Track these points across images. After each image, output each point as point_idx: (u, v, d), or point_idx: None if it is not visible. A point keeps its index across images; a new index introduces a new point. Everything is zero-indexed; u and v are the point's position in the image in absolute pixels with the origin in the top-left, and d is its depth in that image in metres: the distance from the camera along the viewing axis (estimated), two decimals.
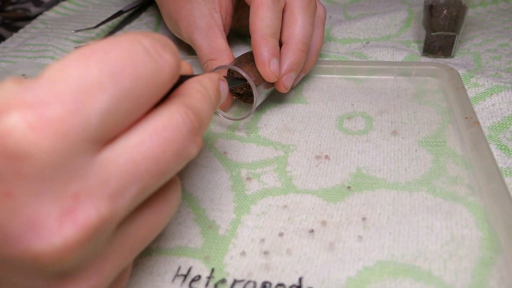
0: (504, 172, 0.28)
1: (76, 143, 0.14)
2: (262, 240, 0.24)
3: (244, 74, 0.30)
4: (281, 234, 0.24)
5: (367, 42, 0.45)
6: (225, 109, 0.34)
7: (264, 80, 0.32)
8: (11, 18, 0.60)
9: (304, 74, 0.36)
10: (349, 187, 0.27)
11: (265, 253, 0.23)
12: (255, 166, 0.30)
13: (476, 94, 0.35)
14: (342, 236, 0.24)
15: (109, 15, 0.49)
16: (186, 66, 0.23)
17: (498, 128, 0.32)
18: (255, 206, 0.26)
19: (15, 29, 0.54)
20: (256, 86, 0.31)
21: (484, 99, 0.35)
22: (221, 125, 0.34)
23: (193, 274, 0.22)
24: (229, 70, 0.33)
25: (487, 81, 0.36)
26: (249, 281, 0.22)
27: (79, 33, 0.46)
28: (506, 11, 0.50)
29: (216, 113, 0.34)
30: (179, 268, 0.23)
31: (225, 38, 0.35)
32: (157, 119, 0.17)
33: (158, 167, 0.16)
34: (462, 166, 0.28)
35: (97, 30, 0.48)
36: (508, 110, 0.33)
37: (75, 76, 0.15)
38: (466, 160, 0.29)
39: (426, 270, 0.22)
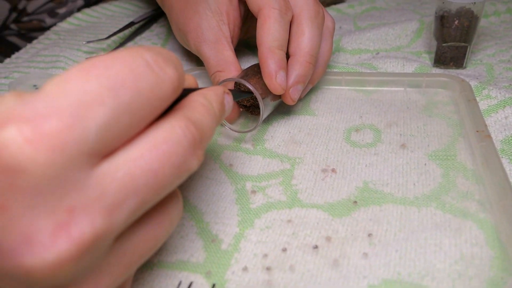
0: None
1: (72, 157, 0.14)
2: (265, 256, 0.24)
3: (250, 87, 0.30)
4: (284, 250, 0.24)
5: (377, 53, 0.45)
6: (231, 121, 0.34)
7: (271, 92, 0.32)
8: (26, 29, 0.61)
9: (312, 86, 0.36)
10: (355, 202, 0.27)
11: (268, 269, 0.23)
12: (261, 179, 0.29)
13: (489, 106, 0.34)
14: (347, 252, 0.24)
15: (121, 26, 0.49)
16: (191, 79, 0.23)
17: (511, 141, 0.31)
18: (259, 220, 0.26)
19: (30, 40, 0.56)
20: (263, 98, 0.31)
21: (497, 112, 0.34)
22: (228, 137, 0.34)
23: None
24: (236, 82, 0.33)
25: (500, 93, 0.35)
26: None
27: (91, 44, 0.47)
28: None
29: (222, 125, 0.33)
30: (179, 283, 0.22)
31: (233, 50, 0.35)
32: (157, 132, 0.17)
33: (156, 181, 0.16)
34: (473, 181, 0.28)
35: (109, 41, 0.48)
36: None
37: (74, 90, 0.15)
38: (477, 175, 0.28)
39: None
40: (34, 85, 0.37)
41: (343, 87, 0.39)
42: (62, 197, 0.14)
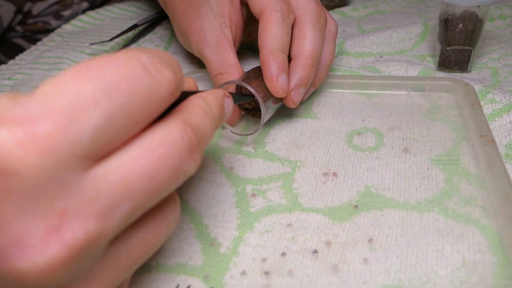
0: None
1: (65, 160, 0.14)
2: (264, 260, 0.23)
3: (252, 90, 0.30)
4: (283, 254, 0.24)
5: (381, 56, 0.44)
6: (233, 124, 0.34)
7: (272, 95, 0.31)
8: (32, 31, 0.61)
9: (314, 89, 0.36)
10: (356, 206, 0.27)
11: (266, 273, 0.23)
12: (261, 182, 0.29)
13: (493, 111, 0.34)
14: (347, 257, 0.23)
15: (125, 28, 0.49)
16: (191, 82, 0.23)
17: None
18: (258, 223, 0.26)
19: (36, 42, 0.56)
20: (264, 101, 0.31)
21: (501, 116, 0.33)
22: (229, 139, 0.33)
23: None
24: (237, 85, 0.33)
25: (505, 97, 0.35)
26: None
27: (94, 46, 0.47)
28: None
29: (223, 128, 0.33)
30: (177, 287, 0.22)
31: (235, 52, 0.35)
32: (153, 135, 0.17)
33: (152, 185, 0.16)
34: (476, 186, 0.27)
35: (112, 43, 0.48)
36: None
37: (68, 93, 0.15)
38: (480, 180, 0.28)
39: None
40: (37, 87, 0.37)
41: (346, 90, 0.38)
42: (54, 200, 0.14)
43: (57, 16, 0.62)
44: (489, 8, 0.37)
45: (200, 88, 0.40)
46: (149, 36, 0.51)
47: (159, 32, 0.52)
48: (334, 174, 0.29)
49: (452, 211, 0.26)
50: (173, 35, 0.50)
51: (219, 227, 0.26)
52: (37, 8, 0.60)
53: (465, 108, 0.34)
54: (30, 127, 0.14)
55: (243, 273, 0.23)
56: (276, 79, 0.30)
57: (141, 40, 0.50)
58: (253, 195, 0.28)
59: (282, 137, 0.33)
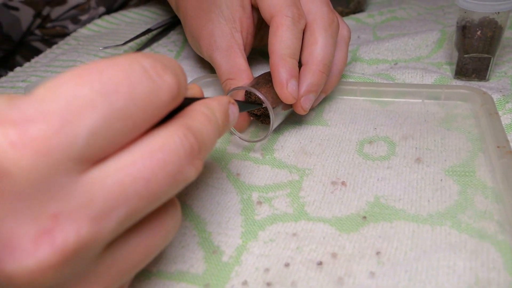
0: None
1: (59, 162, 0.14)
2: (267, 270, 0.23)
3: (261, 96, 0.29)
4: (287, 265, 0.23)
5: (396, 63, 0.43)
6: (241, 130, 0.34)
7: (282, 101, 0.31)
8: (50, 35, 0.63)
9: (325, 95, 0.35)
10: (364, 217, 0.26)
11: (268, 284, 0.22)
12: (267, 189, 0.29)
13: None
14: (353, 270, 0.22)
15: (139, 33, 0.50)
16: (196, 88, 0.23)
17: None
18: (263, 232, 0.25)
19: (53, 46, 0.57)
20: (274, 108, 0.31)
21: None
22: (237, 145, 0.33)
23: None
24: (246, 91, 0.32)
25: None
26: None
27: (108, 50, 0.48)
28: None
29: (232, 133, 0.33)
30: None
31: (245, 57, 0.35)
32: (153, 140, 0.17)
33: (149, 190, 0.16)
34: (492, 200, 0.26)
35: (125, 47, 0.49)
36: None
37: (65, 95, 0.14)
38: (496, 193, 0.27)
39: None
40: None
41: (358, 98, 0.38)
42: (46, 203, 0.14)
43: (75, 20, 0.63)
44: (509, 15, 0.36)
45: (210, 94, 0.39)
46: (163, 41, 0.51)
47: (173, 37, 0.52)
48: (343, 183, 0.29)
49: (465, 225, 0.25)
50: (186, 40, 0.51)
51: (223, 234, 0.25)
52: (55, 12, 0.61)
53: (482, 118, 0.33)
54: (24, 128, 0.13)
55: (245, 283, 0.22)
56: (286, 85, 0.30)
57: (155, 45, 0.50)
58: (259, 202, 0.27)
59: (291, 144, 0.33)
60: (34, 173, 0.13)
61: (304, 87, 0.31)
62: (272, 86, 0.31)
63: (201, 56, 0.38)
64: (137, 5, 0.65)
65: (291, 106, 0.32)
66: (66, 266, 0.14)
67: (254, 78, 0.33)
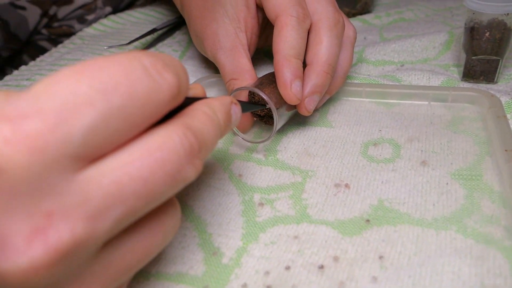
0: None
1: (54, 160, 0.14)
2: (267, 273, 0.22)
3: (264, 97, 0.29)
4: (288, 268, 0.23)
5: (402, 65, 0.43)
6: (244, 130, 0.33)
7: (286, 102, 0.31)
8: (57, 34, 0.63)
9: (329, 97, 0.34)
10: (368, 220, 0.25)
11: (268, 287, 0.22)
12: (270, 191, 0.28)
13: None
14: (355, 275, 0.22)
15: (144, 32, 0.50)
16: (198, 88, 0.22)
17: None
18: (264, 234, 0.25)
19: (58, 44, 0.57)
20: (277, 108, 0.30)
21: None
22: (240, 146, 0.33)
23: None
24: (250, 91, 0.32)
25: None
26: None
27: (112, 49, 0.48)
28: None
29: (235, 134, 0.33)
30: None
31: (249, 57, 0.34)
32: (152, 138, 0.16)
33: (147, 190, 0.16)
34: (499, 205, 0.25)
35: (130, 47, 0.49)
36: None
37: (62, 91, 0.14)
38: (504, 197, 0.26)
39: None
40: None
41: (363, 99, 0.37)
42: (40, 200, 0.13)
43: (81, 20, 0.63)
44: None
45: (214, 94, 0.39)
46: (168, 41, 0.51)
47: (178, 36, 0.52)
48: (347, 185, 0.28)
49: (471, 230, 0.24)
50: (191, 40, 0.50)
51: (223, 236, 0.25)
52: (62, 12, 0.61)
53: (489, 121, 0.32)
54: (19, 124, 0.13)
55: (244, 286, 0.22)
56: (290, 86, 0.30)
57: (160, 45, 0.50)
58: (261, 204, 0.27)
59: (294, 145, 0.32)
60: (28, 170, 0.13)
61: (308, 88, 0.31)
62: (276, 87, 0.31)
63: (205, 56, 0.38)
64: (143, 5, 0.65)
65: (295, 107, 0.32)
66: (60, 265, 0.14)
67: (258, 79, 0.33)
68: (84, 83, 0.15)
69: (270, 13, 0.32)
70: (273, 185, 0.29)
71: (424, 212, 0.26)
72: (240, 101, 0.25)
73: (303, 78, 0.31)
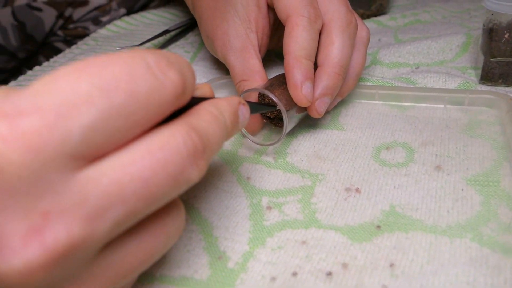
0: None
1: (51, 158, 0.13)
2: (273, 279, 0.22)
3: (274, 98, 0.28)
4: (294, 274, 0.22)
5: (417, 67, 0.42)
6: (254, 132, 0.33)
7: (296, 104, 0.30)
8: (72, 36, 0.64)
9: (341, 99, 0.34)
10: (378, 226, 0.24)
11: None
12: (278, 194, 0.28)
13: None
14: (364, 283, 0.21)
15: (157, 33, 0.50)
16: (206, 88, 0.22)
17: None
18: (271, 238, 0.24)
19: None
20: (287, 110, 0.30)
21: None
22: (249, 148, 0.32)
23: None
24: (260, 93, 0.31)
25: None
26: None
27: (124, 51, 0.48)
28: None
29: (244, 136, 0.32)
30: None
31: (260, 58, 0.34)
32: (154, 138, 0.16)
33: (148, 191, 0.15)
34: None
35: (142, 48, 0.49)
36: None
37: (61, 89, 0.14)
38: None
39: None
40: None
41: (377, 102, 0.36)
42: (37, 200, 0.13)
43: (96, 21, 0.64)
44: None
45: (224, 95, 0.39)
46: (180, 42, 0.51)
47: (191, 38, 0.52)
48: (357, 190, 0.27)
49: (488, 238, 0.23)
50: (203, 41, 0.50)
51: (230, 239, 0.24)
52: (77, 14, 0.62)
53: (508, 125, 0.31)
54: (16, 122, 0.13)
55: None
56: (300, 87, 0.29)
57: (172, 46, 0.50)
58: (269, 207, 0.27)
59: (304, 148, 0.32)
60: (25, 168, 0.13)
61: (319, 89, 0.30)
62: (286, 88, 0.30)
63: (216, 56, 0.37)
64: (157, 6, 0.66)
65: (305, 109, 0.31)
66: (57, 266, 0.14)
67: (268, 80, 0.32)
68: (85, 81, 0.14)
69: (281, 13, 0.31)
70: (281, 188, 0.28)
71: (438, 219, 0.25)
72: (249, 102, 0.25)
73: (314, 79, 0.30)
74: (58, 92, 0.14)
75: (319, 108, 0.30)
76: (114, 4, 0.63)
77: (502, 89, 0.37)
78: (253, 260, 0.23)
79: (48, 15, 0.59)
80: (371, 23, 0.53)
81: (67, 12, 0.61)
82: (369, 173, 0.29)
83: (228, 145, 0.33)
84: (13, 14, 0.57)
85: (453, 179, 0.27)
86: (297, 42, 0.30)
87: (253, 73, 0.33)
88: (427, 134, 0.32)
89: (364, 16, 0.55)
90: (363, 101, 0.37)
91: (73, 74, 0.14)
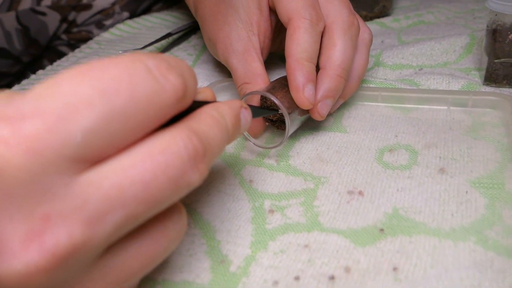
0: None
1: (52, 161, 0.13)
2: (275, 283, 0.22)
3: (276, 101, 0.28)
4: (297, 278, 0.22)
5: (420, 69, 0.42)
6: (256, 135, 0.33)
7: (298, 106, 0.30)
8: (75, 39, 0.64)
9: (343, 101, 0.34)
10: (382, 230, 0.24)
11: None
12: (280, 197, 0.27)
13: None
14: (367, 287, 0.21)
15: (159, 37, 0.50)
16: (208, 92, 0.22)
17: None
18: (273, 242, 0.24)
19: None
20: (290, 113, 0.29)
21: None
22: (251, 151, 0.32)
23: None
24: (262, 96, 0.31)
25: None
26: None
27: (125, 54, 0.48)
28: None
29: (246, 139, 0.32)
30: None
31: (262, 61, 0.34)
32: (155, 142, 0.16)
33: (148, 194, 0.15)
34: None
35: (144, 51, 0.49)
36: None
37: (62, 92, 0.14)
38: None
39: None
40: None
41: (379, 104, 0.36)
42: (38, 203, 0.13)
43: (100, 25, 0.64)
44: None
45: (227, 98, 0.39)
46: (183, 45, 0.51)
47: (193, 41, 0.52)
48: (360, 193, 0.27)
49: (492, 241, 0.23)
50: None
51: (232, 243, 0.24)
52: (81, 18, 0.62)
53: None
54: (17, 125, 0.13)
55: None
56: (302, 90, 0.29)
57: (175, 49, 0.50)
58: (271, 211, 0.26)
59: (307, 150, 0.32)
60: (26, 171, 0.13)
61: (321, 92, 0.30)
62: (288, 91, 0.30)
63: (218, 59, 0.37)
64: (160, 10, 0.66)
65: (308, 111, 0.31)
66: (57, 270, 0.14)
67: (270, 83, 0.32)
68: (86, 84, 0.14)
69: (283, 15, 0.31)
70: (284, 191, 0.28)
71: (442, 222, 0.24)
72: (251, 106, 0.24)
73: (316, 82, 0.30)
74: (60, 96, 0.14)
75: (321, 111, 0.30)
76: (117, 8, 0.63)
77: (506, 90, 0.37)
78: (255, 264, 0.23)
79: (52, 19, 0.60)
80: (374, 25, 0.53)
81: (71, 16, 0.61)
82: (372, 175, 0.29)
83: (230, 148, 0.33)
84: (17, 18, 0.57)
85: (457, 181, 0.27)
86: (298, 45, 0.29)
87: (255, 76, 0.33)
88: (430, 136, 0.32)
89: (367, 18, 0.55)
90: (366, 103, 0.36)
91: (74, 77, 0.15)
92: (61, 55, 0.64)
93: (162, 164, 0.15)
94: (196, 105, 0.19)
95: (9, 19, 0.57)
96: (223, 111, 0.20)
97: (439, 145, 0.31)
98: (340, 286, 0.21)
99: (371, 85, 0.38)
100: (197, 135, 0.17)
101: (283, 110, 0.29)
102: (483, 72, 0.38)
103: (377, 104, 0.36)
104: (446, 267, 0.22)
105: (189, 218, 0.26)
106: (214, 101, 0.21)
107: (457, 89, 0.37)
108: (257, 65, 0.33)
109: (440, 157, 0.29)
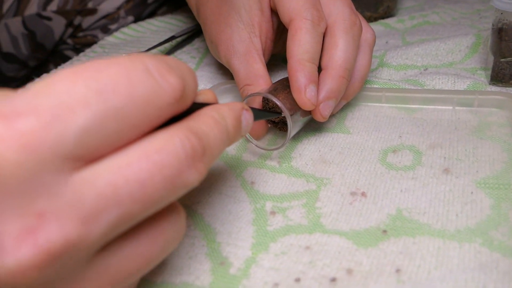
0: None
1: (46, 159, 0.13)
2: (276, 285, 0.21)
3: (278, 103, 0.28)
4: (298, 280, 0.22)
5: (425, 69, 0.41)
6: (258, 137, 0.33)
7: (300, 108, 0.30)
8: (81, 44, 0.64)
9: (346, 102, 0.33)
10: (385, 231, 0.24)
11: None
12: (282, 199, 0.27)
13: None
14: None
15: (163, 40, 0.50)
16: (209, 94, 0.22)
17: None
18: (274, 244, 0.24)
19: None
20: (292, 115, 0.29)
21: None
22: (253, 153, 0.32)
23: None
24: (264, 97, 0.31)
25: None
26: None
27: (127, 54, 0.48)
28: None
29: (248, 141, 0.32)
30: None
31: (264, 63, 0.34)
32: (152, 141, 0.16)
33: (144, 193, 0.15)
34: None
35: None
36: None
37: (58, 91, 0.14)
38: None
39: None
40: None
41: (383, 104, 0.36)
42: (32, 200, 0.13)
43: (105, 29, 0.64)
44: None
45: (229, 100, 0.39)
46: (186, 48, 0.51)
47: (197, 43, 0.52)
48: (363, 194, 0.27)
49: (498, 243, 0.22)
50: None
51: (232, 245, 0.24)
52: (86, 22, 0.63)
53: None
54: (12, 122, 0.13)
55: None
56: (304, 91, 0.29)
57: (178, 52, 0.50)
58: (273, 212, 0.26)
59: (309, 152, 0.31)
60: (20, 168, 0.13)
61: (323, 93, 0.30)
62: (290, 92, 0.30)
63: (220, 61, 0.37)
64: (164, 13, 0.66)
65: (310, 112, 0.31)
66: (50, 268, 0.14)
67: (272, 84, 0.32)
68: (81, 83, 0.15)
69: (284, 16, 0.31)
70: (286, 193, 0.28)
71: (446, 223, 0.24)
72: (253, 108, 0.24)
73: (318, 83, 0.30)
74: (55, 94, 0.14)
75: (323, 112, 0.30)
76: (122, 12, 0.63)
77: None
78: (256, 266, 0.23)
79: (58, 24, 0.60)
80: (378, 26, 0.53)
81: (76, 21, 0.62)
82: (376, 176, 0.28)
83: (232, 149, 0.32)
84: (24, 23, 0.58)
85: (462, 182, 0.27)
86: (300, 46, 0.29)
87: (257, 78, 0.33)
88: (435, 136, 0.31)
89: (371, 19, 0.55)
90: (369, 104, 0.36)
91: (70, 77, 0.15)
92: (67, 59, 0.64)
93: (158, 163, 0.15)
94: (196, 106, 0.19)
95: (16, 24, 0.58)
96: (224, 112, 0.20)
97: (444, 146, 0.30)
98: None
99: (375, 86, 0.38)
100: (195, 135, 0.17)
101: (285, 111, 0.28)
102: (489, 72, 0.37)
103: (381, 104, 0.36)
104: (451, 268, 0.21)
105: (189, 219, 0.26)
106: (215, 103, 0.21)
107: (462, 89, 0.37)
108: (259, 67, 0.33)
109: (445, 158, 0.29)
